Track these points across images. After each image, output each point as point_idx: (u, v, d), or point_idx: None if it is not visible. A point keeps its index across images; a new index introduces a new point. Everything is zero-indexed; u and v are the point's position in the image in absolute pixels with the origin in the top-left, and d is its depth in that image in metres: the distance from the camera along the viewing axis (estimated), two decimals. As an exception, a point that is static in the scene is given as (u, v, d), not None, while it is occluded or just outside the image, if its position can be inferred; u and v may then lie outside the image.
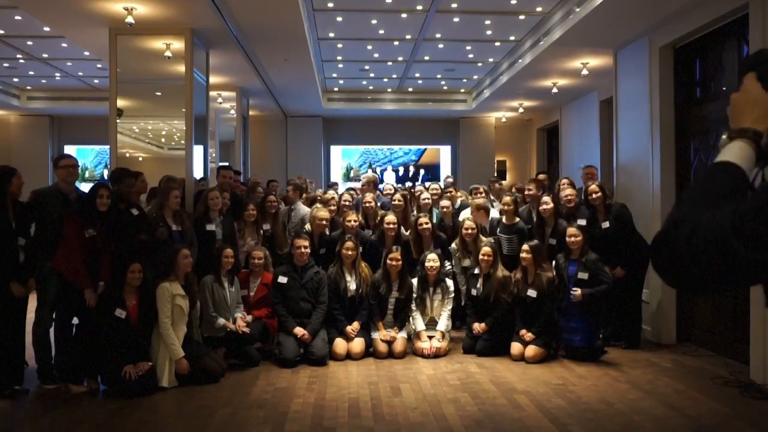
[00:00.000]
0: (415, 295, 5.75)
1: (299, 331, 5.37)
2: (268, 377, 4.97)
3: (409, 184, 12.60)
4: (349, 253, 5.71)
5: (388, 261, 5.69)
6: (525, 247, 5.52)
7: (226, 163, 7.74)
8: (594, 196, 5.86)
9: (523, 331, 5.45)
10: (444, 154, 13.57)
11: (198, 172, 6.83)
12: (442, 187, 7.79)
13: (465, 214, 6.70)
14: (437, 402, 4.33)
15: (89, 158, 12.96)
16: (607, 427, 3.88)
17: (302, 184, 7.78)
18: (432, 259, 5.67)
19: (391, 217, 6.14)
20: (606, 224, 5.81)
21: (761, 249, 0.79)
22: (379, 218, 6.40)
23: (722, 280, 0.84)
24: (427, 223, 6.22)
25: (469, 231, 6.04)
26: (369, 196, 6.70)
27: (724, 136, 1.02)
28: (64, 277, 4.67)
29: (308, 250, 5.62)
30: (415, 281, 5.79)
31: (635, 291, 5.90)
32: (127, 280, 4.67)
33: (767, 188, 0.86)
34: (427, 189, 7.53)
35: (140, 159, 7.00)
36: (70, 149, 12.52)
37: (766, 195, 0.82)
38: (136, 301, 4.72)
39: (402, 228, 6.37)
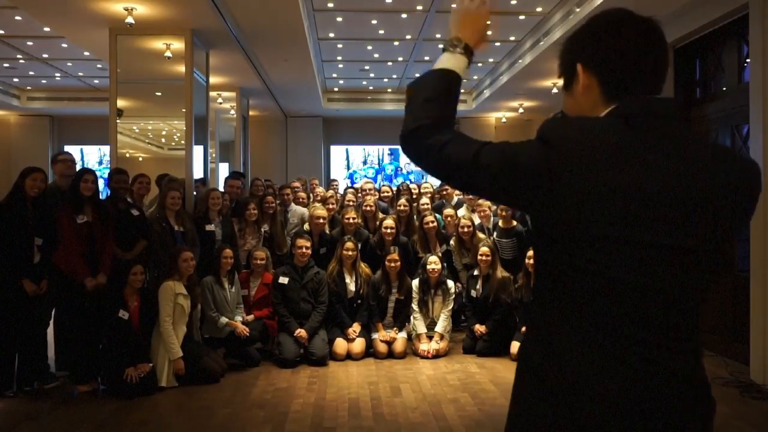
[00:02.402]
0: (416, 297, 5.75)
1: (298, 332, 5.38)
2: (268, 377, 4.98)
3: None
4: (349, 253, 5.71)
5: (387, 262, 5.69)
6: (531, 253, 5.48)
7: (236, 171, 7.68)
8: None
9: (524, 329, 5.45)
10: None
11: (198, 173, 6.83)
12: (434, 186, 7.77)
13: (461, 212, 6.71)
14: (437, 402, 4.33)
15: (90, 158, 12.96)
16: (607, 427, 3.88)
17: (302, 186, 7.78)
18: (433, 262, 5.67)
19: (389, 221, 6.10)
20: None
21: (486, 175, 1.13)
22: (378, 222, 6.38)
23: (456, 177, 1.19)
24: (433, 222, 6.25)
25: (465, 229, 6.06)
26: (369, 200, 6.70)
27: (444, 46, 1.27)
28: (63, 275, 4.66)
29: (309, 251, 5.62)
30: (415, 282, 5.79)
31: None
32: (129, 282, 4.67)
33: (498, 147, 1.15)
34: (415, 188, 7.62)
35: (140, 159, 7.01)
36: (70, 149, 12.51)
37: (497, 147, 1.15)
38: (138, 303, 4.72)
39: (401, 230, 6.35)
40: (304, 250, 5.56)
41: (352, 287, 5.75)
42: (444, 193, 7.36)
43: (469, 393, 4.52)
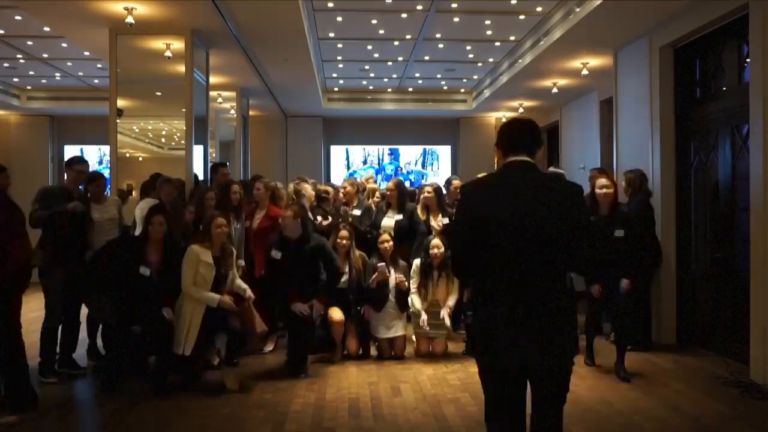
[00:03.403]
0: (415, 278, 5.61)
1: (303, 307, 5.03)
2: (268, 377, 4.97)
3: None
4: (343, 242, 5.57)
5: (379, 244, 5.60)
6: None
7: (221, 162, 7.63)
8: (625, 185, 6.03)
9: None
10: (444, 154, 13.57)
11: (198, 172, 6.83)
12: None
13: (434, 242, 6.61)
14: (437, 402, 4.33)
15: (91, 158, 12.95)
16: (607, 427, 3.89)
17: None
18: (436, 246, 5.53)
19: (385, 236, 5.78)
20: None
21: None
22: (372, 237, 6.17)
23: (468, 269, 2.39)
24: (430, 192, 6.27)
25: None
26: (370, 180, 6.88)
27: None
28: (69, 271, 4.81)
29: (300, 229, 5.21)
30: (417, 262, 5.65)
31: (642, 293, 5.79)
32: (149, 234, 4.55)
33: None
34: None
35: (140, 159, 7.00)
36: (70, 149, 12.51)
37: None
38: (159, 257, 4.58)
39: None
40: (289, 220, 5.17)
41: (345, 278, 5.56)
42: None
43: (469, 393, 4.52)
